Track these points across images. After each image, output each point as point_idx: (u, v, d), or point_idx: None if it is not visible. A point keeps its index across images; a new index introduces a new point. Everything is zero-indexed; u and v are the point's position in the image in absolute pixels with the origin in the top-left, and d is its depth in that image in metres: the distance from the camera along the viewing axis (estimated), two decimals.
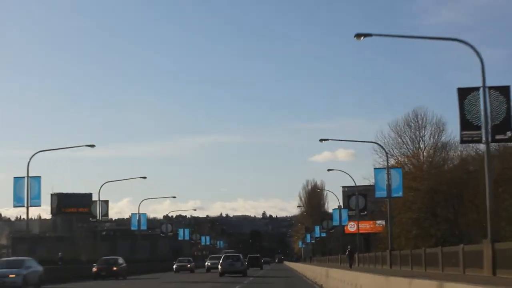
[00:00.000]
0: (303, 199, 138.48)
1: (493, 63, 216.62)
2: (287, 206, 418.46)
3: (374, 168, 47.82)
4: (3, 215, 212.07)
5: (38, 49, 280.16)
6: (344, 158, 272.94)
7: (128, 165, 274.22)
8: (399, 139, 61.99)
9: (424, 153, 61.61)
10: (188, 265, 71.73)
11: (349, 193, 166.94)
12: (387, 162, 47.07)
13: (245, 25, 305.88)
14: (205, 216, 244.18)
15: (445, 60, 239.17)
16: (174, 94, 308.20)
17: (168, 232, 79.99)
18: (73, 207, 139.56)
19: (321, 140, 51.27)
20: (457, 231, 55.41)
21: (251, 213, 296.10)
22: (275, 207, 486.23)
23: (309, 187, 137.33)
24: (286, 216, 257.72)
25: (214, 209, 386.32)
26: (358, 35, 27.39)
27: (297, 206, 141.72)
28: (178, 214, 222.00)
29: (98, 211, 63.19)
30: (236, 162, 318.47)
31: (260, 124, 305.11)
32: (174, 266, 71.24)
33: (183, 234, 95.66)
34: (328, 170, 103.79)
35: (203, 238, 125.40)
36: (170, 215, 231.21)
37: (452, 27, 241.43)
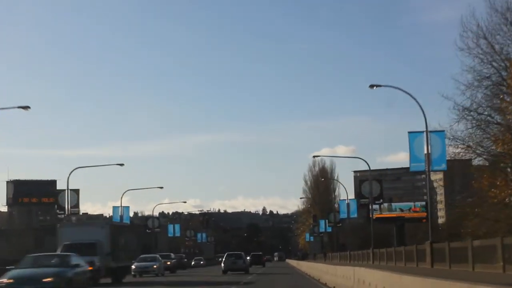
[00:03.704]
0: (309, 183, 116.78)
1: None
2: (288, 204, 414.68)
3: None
4: None
5: (39, 48, 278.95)
6: (344, 154, 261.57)
7: (129, 164, 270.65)
8: (506, 27, 34.54)
9: None
10: (155, 266, 50.72)
11: (362, 178, 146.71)
12: None
13: (245, 24, 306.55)
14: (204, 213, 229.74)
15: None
16: (173, 93, 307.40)
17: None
18: (34, 196, 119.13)
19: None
20: None
21: (251, 210, 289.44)
22: (275, 205, 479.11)
23: (317, 168, 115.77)
24: (287, 213, 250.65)
25: (214, 207, 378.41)
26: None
27: (300, 198, 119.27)
28: (174, 211, 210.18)
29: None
30: (235, 160, 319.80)
31: (260, 122, 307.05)
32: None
33: (120, 216, 63.36)
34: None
35: (170, 227, 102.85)
36: (166, 212, 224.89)
37: (450, 23, 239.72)
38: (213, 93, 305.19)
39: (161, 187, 79.14)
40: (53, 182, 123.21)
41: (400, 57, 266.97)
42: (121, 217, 66.95)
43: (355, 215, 62.04)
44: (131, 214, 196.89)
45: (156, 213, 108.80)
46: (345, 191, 59.64)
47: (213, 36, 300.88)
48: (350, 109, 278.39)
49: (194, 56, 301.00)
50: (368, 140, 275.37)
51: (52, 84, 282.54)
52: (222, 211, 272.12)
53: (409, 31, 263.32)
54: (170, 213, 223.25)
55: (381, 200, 46.13)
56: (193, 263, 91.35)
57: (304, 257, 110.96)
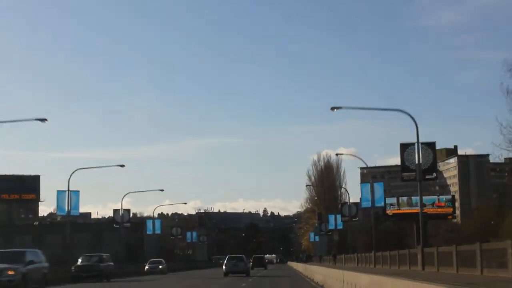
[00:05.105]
0: (313, 178, 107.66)
1: (493, 66, 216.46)
2: (289, 206, 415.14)
3: None
4: None
5: (39, 48, 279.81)
6: (345, 157, 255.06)
7: (129, 167, 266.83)
8: None
9: None
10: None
11: (368, 175, 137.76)
12: None
13: (244, 26, 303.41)
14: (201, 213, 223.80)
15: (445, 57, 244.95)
16: (174, 96, 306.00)
17: None
18: (14, 192, 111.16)
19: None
20: None
21: (252, 211, 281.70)
22: (276, 207, 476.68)
23: (321, 163, 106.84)
24: (289, 215, 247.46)
25: (215, 210, 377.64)
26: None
27: (306, 185, 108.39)
28: (173, 212, 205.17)
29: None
30: (236, 163, 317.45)
31: (260, 125, 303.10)
32: None
33: (66, 208, 47.69)
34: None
35: (149, 223, 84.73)
36: (166, 213, 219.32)
37: (452, 28, 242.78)
38: (213, 95, 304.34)
39: (162, 190, 75.67)
40: (36, 178, 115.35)
41: (400, 59, 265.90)
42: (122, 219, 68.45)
43: (382, 204, 50.23)
44: (130, 216, 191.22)
45: (152, 214, 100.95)
46: (365, 164, 49.23)
47: (212, 37, 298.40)
48: (350, 111, 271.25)
49: (193, 57, 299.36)
50: (369, 142, 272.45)
51: (52, 85, 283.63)
52: (222, 211, 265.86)
53: (410, 33, 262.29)
54: (170, 214, 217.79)
55: (434, 175, 32.01)
56: (146, 267, 66.71)
57: (307, 259, 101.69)
